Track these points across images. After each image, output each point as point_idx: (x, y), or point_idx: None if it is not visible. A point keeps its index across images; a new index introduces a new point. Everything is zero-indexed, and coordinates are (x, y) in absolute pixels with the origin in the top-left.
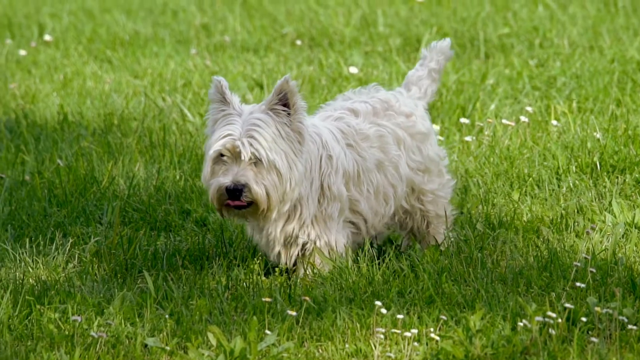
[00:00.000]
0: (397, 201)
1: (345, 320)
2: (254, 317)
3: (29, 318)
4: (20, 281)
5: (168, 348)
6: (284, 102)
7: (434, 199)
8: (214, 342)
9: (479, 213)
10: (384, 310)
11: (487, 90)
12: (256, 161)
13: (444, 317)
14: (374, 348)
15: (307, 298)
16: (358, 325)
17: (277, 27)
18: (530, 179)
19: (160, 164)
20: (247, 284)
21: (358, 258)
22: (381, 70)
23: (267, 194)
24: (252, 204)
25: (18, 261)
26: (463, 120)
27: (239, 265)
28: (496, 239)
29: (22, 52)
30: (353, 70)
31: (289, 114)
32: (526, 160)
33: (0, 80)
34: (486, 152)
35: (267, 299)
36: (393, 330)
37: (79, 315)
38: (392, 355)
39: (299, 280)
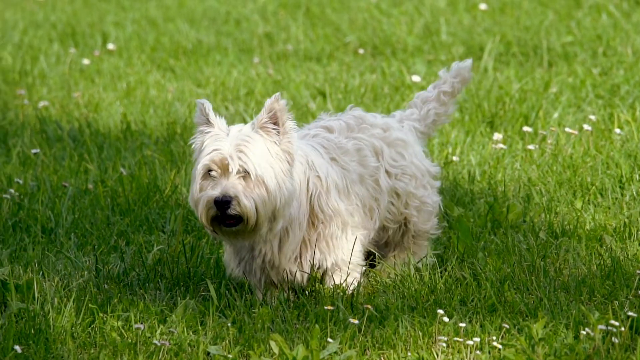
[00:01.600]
0: (381, 214)
1: (408, 328)
2: (316, 325)
3: (92, 326)
4: (84, 289)
5: (230, 356)
6: (274, 120)
7: (419, 206)
8: (276, 350)
9: (542, 221)
10: (446, 319)
11: (550, 99)
12: (245, 175)
13: (506, 326)
14: (436, 356)
15: (369, 306)
16: (420, 333)
17: (339, 35)
18: (594, 187)
19: None
20: (309, 292)
21: (420, 266)
22: None
23: (256, 208)
24: (241, 221)
25: (81, 269)
26: (526, 128)
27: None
28: (559, 247)
29: (86, 61)
30: (416, 78)
31: (278, 132)
32: (589, 169)
33: (64, 89)
34: (549, 160)
35: (329, 307)
36: (455, 338)
37: (141, 323)
38: None
39: (361, 289)
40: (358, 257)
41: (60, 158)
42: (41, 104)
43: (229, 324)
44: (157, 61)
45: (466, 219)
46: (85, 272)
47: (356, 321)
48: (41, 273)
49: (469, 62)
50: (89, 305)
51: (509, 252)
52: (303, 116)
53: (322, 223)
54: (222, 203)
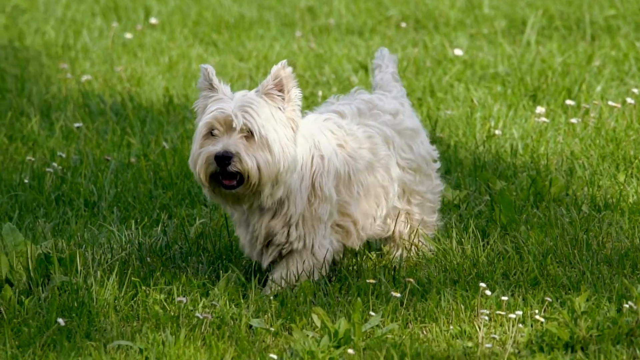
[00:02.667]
0: (389, 203)
1: (450, 301)
2: (358, 299)
3: (135, 299)
4: (126, 263)
5: (273, 329)
6: (280, 88)
7: (421, 202)
8: (318, 323)
9: (585, 195)
10: (488, 292)
11: (593, 72)
12: (248, 135)
13: (549, 299)
14: (478, 330)
15: (411, 280)
16: (462, 306)
17: (382, 9)
18: (637, 160)
19: None
20: (352, 266)
21: (462, 240)
22: (486, 52)
23: (258, 168)
24: (242, 183)
25: (124, 243)
26: (569, 102)
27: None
28: (602, 220)
29: (128, 36)
30: (458, 52)
31: (283, 99)
32: (632, 142)
33: (107, 63)
34: (592, 134)
35: (371, 281)
36: (498, 312)
37: (184, 297)
38: (496, 337)
39: (403, 262)
40: (322, 255)
41: (103, 132)
42: (84, 78)
43: (271, 297)
44: (199, 35)
45: (509, 193)
46: (128, 246)
47: (398, 294)
48: (84, 246)
49: (382, 50)
50: (132, 278)
51: (552, 225)
52: (345, 90)
53: (317, 201)
54: (223, 159)
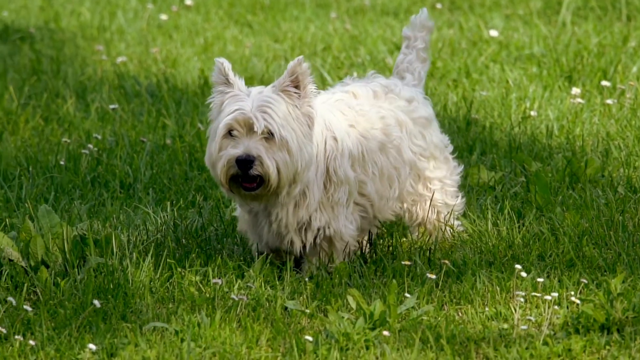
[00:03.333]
0: (401, 184)
1: (485, 283)
2: (394, 281)
3: (170, 281)
4: (162, 244)
5: (308, 311)
6: (296, 84)
7: (442, 187)
8: (353, 305)
9: (620, 176)
10: (524, 274)
11: (629, 53)
12: (267, 137)
13: (584, 281)
14: (514, 311)
15: (446, 261)
16: (498, 288)
17: None
18: None
19: None
20: (387, 247)
21: (498, 221)
22: (521, 33)
23: (278, 171)
24: (262, 185)
25: (159, 224)
26: (604, 83)
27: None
28: (637, 202)
29: (164, 17)
30: (493, 33)
31: (299, 95)
32: None
33: (142, 45)
34: (628, 115)
35: (407, 263)
36: (533, 293)
37: (219, 278)
38: (532, 318)
39: (438, 244)
40: (350, 236)
41: (139, 113)
42: (119, 59)
43: (307, 279)
44: (234, 16)
45: (544, 174)
46: (163, 227)
47: (434, 276)
48: (119, 228)
49: (424, 11)
50: (167, 260)
51: (587, 207)
52: (381, 71)
53: (333, 186)
54: (245, 162)
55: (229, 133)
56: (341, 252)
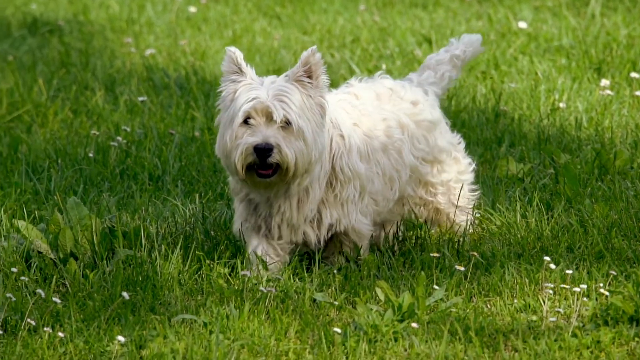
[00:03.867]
0: (401, 187)
1: (514, 275)
2: (422, 272)
3: (199, 273)
4: (191, 236)
5: (336, 303)
6: (309, 74)
7: (446, 191)
8: (382, 297)
9: None
10: (552, 266)
11: None
12: (284, 126)
13: (613, 273)
14: (542, 303)
15: (475, 253)
16: (527, 280)
17: None
18: None
19: None
20: (415, 240)
21: (527, 213)
22: (550, 25)
23: (295, 159)
24: (277, 172)
25: (188, 216)
26: (634, 74)
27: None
28: None
29: (192, 9)
30: (522, 25)
31: (312, 85)
32: None
33: (171, 37)
34: None
35: (435, 254)
36: (562, 285)
37: (248, 270)
38: (561, 310)
39: (467, 236)
40: (368, 227)
41: (167, 106)
42: (148, 52)
43: (335, 271)
44: (263, 9)
45: (573, 166)
46: (192, 219)
47: (462, 268)
48: (148, 220)
49: (478, 36)
50: (196, 252)
51: (616, 198)
52: (409, 63)
53: (340, 184)
54: (264, 150)
55: (245, 121)
56: (362, 246)
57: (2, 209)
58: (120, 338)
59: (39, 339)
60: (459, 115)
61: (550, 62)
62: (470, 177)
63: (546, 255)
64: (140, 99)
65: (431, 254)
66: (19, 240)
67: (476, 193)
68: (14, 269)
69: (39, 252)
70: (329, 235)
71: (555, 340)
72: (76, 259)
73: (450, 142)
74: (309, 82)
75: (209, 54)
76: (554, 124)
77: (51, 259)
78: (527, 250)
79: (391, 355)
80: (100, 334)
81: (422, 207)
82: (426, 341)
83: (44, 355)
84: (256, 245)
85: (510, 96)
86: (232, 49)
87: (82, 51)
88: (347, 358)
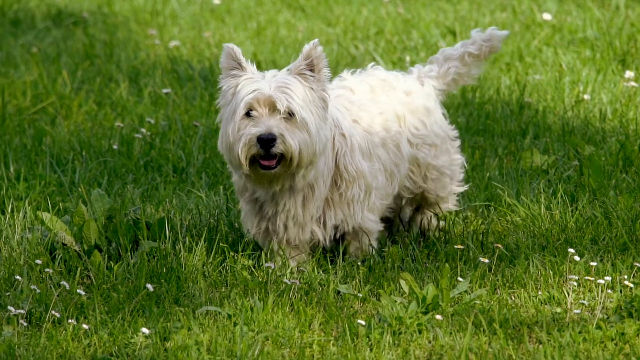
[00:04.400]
0: (400, 181)
1: (538, 267)
2: (446, 265)
3: (223, 265)
4: (215, 228)
5: (360, 295)
6: (311, 67)
7: (438, 177)
8: (406, 289)
9: None
10: (577, 258)
11: None
12: (287, 117)
13: (638, 264)
14: (567, 295)
15: (499, 245)
16: (551, 272)
17: None
18: None
19: None
20: (439, 232)
21: (551, 205)
22: (575, 16)
23: (300, 150)
24: (281, 163)
25: (212, 208)
26: None
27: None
28: None
29: (216, 1)
30: (546, 16)
31: (315, 79)
32: None
33: (195, 29)
34: None
35: (460, 247)
36: (586, 277)
37: (272, 262)
38: (585, 302)
39: (491, 227)
40: (376, 224)
41: (191, 97)
42: (172, 43)
43: (359, 263)
44: (287, 1)
45: (597, 158)
46: (216, 211)
47: (486, 260)
48: (172, 212)
49: (505, 32)
50: (220, 244)
51: None
52: (433, 55)
53: (345, 183)
54: (268, 141)
55: (247, 114)
56: (370, 243)
57: (27, 201)
58: (145, 330)
59: (64, 331)
60: (483, 107)
61: (574, 53)
62: (458, 170)
63: (570, 247)
64: (165, 90)
65: (455, 246)
66: (43, 232)
67: (463, 188)
68: (38, 261)
69: (64, 244)
70: (338, 235)
71: (580, 332)
72: (100, 250)
73: (446, 132)
74: (311, 76)
75: None
76: (578, 115)
77: (75, 251)
78: (552, 242)
79: (415, 347)
80: (124, 326)
81: (412, 197)
82: (450, 333)
83: (68, 347)
84: (277, 248)
85: (534, 88)
86: (230, 45)
87: (106, 43)
88: (371, 350)
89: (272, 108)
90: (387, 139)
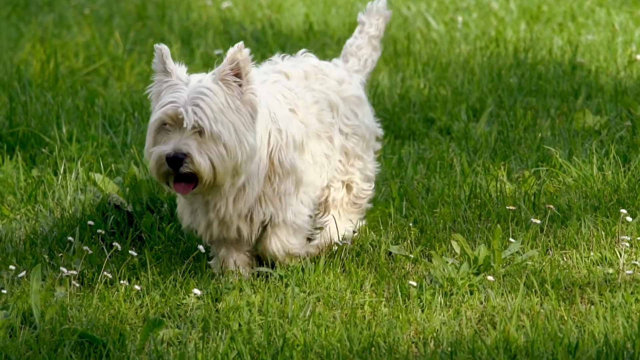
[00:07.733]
0: (330, 173)
1: (590, 228)
2: (498, 225)
3: None
4: None
5: (412, 256)
6: (236, 72)
7: (363, 168)
8: (457, 250)
9: None
10: (629, 218)
11: None
12: (200, 131)
13: None
14: (619, 256)
15: (551, 206)
16: (603, 233)
17: None
18: None
19: (404, 73)
20: (491, 192)
21: (603, 166)
22: None
23: (213, 166)
24: (197, 183)
25: None
26: None
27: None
28: None
29: None
30: None
31: (240, 84)
32: None
33: None
34: None
35: (511, 207)
36: (639, 238)
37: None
38: (637, 263)
39: (543, 188)
40: (306, 218)
41: None
42: (224, 4)
43: (411, 224)
44: None
45: None
46: None
47: (538, 221)
48: None
49: (383, 2)
50: None
51: None
52: (486, 16)
53: (278, 178)
54: (174, 160)
55: (163, 126)
56: (299, 237)
57: (79, 162)
58: (196, 291)
59: (116, 292)
60: (535, 67)
61: (627, 13)
62: (372, 167)
63: (623, 208)
64: (217, 51)
65: (507, 207)
66: (95, 194)
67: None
68: (90, 222)
69: (116, 205)
70: (264, 228)
71: (632, 293)
72: (152, 212)
73: (373, 126)
74: (235, 81)
75: (285, 6)
76: (631, 76)
77: (127, 212)
78: (604, 203)
79: (467, 308)
80: (176, 287)
81: (341, 189)
82: (502, 294)
83: (120, 308)
84: (225, 255)
85: (587, 48)
86: (160, 46)
87: (158, 4)
88: (422, 311)
89: (183, 123)
90: (320, 131)
